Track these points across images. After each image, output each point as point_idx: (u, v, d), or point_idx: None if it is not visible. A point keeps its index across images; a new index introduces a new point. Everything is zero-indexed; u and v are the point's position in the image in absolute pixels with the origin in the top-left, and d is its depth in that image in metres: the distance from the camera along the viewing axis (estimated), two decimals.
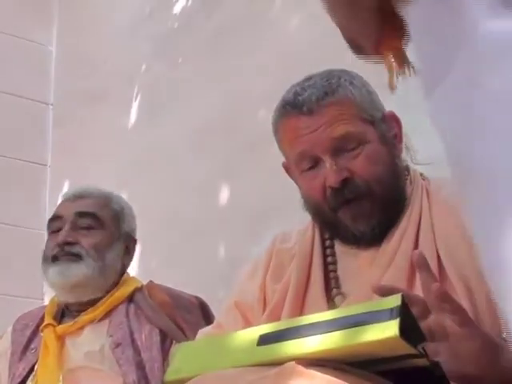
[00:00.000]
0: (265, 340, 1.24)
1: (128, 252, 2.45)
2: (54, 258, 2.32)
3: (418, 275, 1.52)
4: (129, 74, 3.98)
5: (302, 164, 1.65)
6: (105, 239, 2.37)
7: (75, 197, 2.41)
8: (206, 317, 2.39)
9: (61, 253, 2.31)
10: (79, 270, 2.29)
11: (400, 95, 2.54)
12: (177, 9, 3.77)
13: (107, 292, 2.35)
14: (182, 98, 3.59)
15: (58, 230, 2.35)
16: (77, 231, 2.33)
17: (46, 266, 2.34)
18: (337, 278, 1.67)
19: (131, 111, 3.91)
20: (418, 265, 1.28)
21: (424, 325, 1.24)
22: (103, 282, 2.35)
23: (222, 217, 3.26)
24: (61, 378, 2.16)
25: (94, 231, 2.35)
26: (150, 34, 3.89)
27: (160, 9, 3.87)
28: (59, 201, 2.55)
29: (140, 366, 2.18)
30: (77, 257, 2.31)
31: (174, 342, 2.22)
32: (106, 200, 2.42)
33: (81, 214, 2.36)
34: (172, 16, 3.79)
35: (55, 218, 2.40)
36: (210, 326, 1.90)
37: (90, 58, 4.31)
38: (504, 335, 1.32)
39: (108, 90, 4.08)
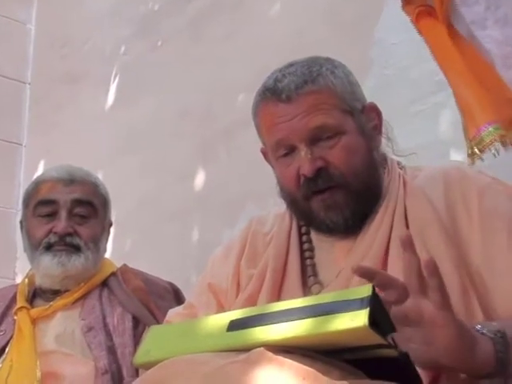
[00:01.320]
0: (235, 326, 1.24)
1: (107, 236, 2.46)
2: (49, 246, 2.30)
3: (389, 265, 1.53)
4: (108, 55, 3.96)
5: (278, 151, 1.65)
6: (99, 229, 2.36)
7: (66, 180, 2.35)
8: (179, 303, 2.38)
9: (59, 243, 2.29)
10: (79, 262, 2.28)
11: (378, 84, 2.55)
12: None
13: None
14: (160, 80, 3.58)
15: (50, 215, 2.32)
16: (72, 219, 2.31)
17: (36, 253, 2.31)
18: (313, 266, 1.68)
19: (109, 93, 3.89)
20: (404, 245, 1.28)
21: (400, 309, 1.24)
22: (94, 271, 2.35)
23: (198, 200, 3.26)
24: (38, 362, 2.15)
25: (89, 220, 2.33)
26: (130, 15, 3.87)
27: None
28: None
29: (111, 351, 2.17)
30: (75, 248, 2.29)
31: (146, 327, 2.21)
32: (95, 185, 2.40)
33: (79, 202, 2.33)
34: None
35: (47, 201, 2.34)
36: (181, 306, 1.90)
37: (69, 37, 4.28)
38: (479, 327, 1.32)
39: (86, 70, 4.06)
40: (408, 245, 1.28)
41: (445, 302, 1.24)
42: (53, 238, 2.29)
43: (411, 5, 1.22)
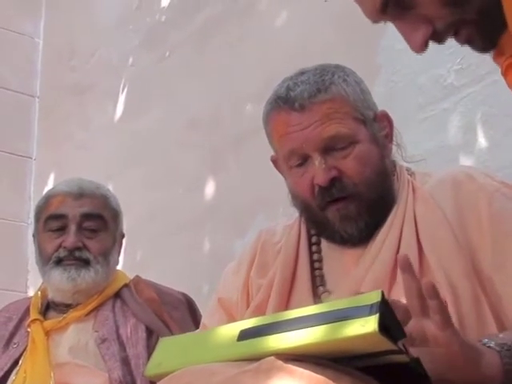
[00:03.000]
0: (245, 335, 1.23)
1: (119, 247, 2.46)
2: (59, 261, 2.30)
3: (399, 272, 1.52)
4: (116, 66, 3.97)
5: (291, 160, 1.64)
6: (109, 242, 2.36)
7: (76, 194, 2.36)
8: (193, 313, 2.39)
9: (69, 257, 2.29)
10: (88, 276, 2.29)
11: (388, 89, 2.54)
12: (165, 2, 3.75)
13: None
14: (168, 91, 3.58)
15: (59, 229, 2.33)
16: (81, 232, 2.32)
17: (47, 268, 2.31)
18: (322, 276, 1.67)
19: (117, 104, 3.89)
20: (402, 267, 1.28)
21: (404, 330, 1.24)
22: (105, 284, 2.35)
23: (208, 211, 3.26)
24: (52, 374, 2.15)
25: (99, 233, 2.34)
26: (138, 26, 3.88)
27: (148, 2, 3.86)
28: (44, 193, 2.53)
29: (125, 362, 2.18)
30: (85, 262, 2.29)
31: (159, 338, 2.21)
32: (105, 198, 2.40)
33: (88, 216, 2.33)
34: (160, 9, 3.77)
35: (57, 216, 2.34)
36: (196, 331, 1.90)
37: (77, 50, 4.29)
38: (485, 341, 1.32)
39: (94, 82, 4.07)
40: (406, 267, 1.27)
41: (447, 322, 1.24)
42: (62, 253, 2.29)
43: (502, 56, 1.21)
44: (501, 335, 1.35)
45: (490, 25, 1.16)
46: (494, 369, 1.27)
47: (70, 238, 2.29)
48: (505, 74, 1.21)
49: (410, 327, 1.24)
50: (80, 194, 2.35)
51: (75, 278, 2.27)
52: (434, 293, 1.23)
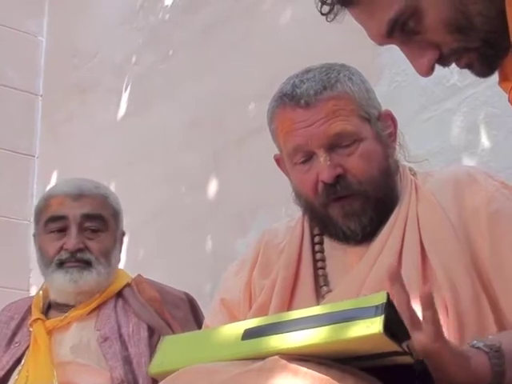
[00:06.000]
0: (249, 334, 1.23)
1: (120, 246, 2.45)
2: (60, 263, 2.30)
3: (402, 271, 1.52)
4: (119, 65, 3.97)
5: (295, 157, 1.64)
6: (110, 242, 2.36)
7: (75, 195, 2.34)
8: (195, 313, 2.38)
9: (71, 259, 2.28)
10: (91, 278, 2.28)
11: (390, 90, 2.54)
12: (168, 1, 3.76)
13: None
14: (172, 90, 3.59)
15: (60, 230, 2.32)
16: (82, 233, 2.31)
17: (49, 270, 2.31)
18: (325, 276, 1.67)
19: (120, 103, 3.89)
20: (391, 278, 1.25)
21: None
22: (107, 284, 2.35)
23: (210, 210, 3.26)
24: (55, 373, 2.15)
25: (99, 234, 2.33)
26: (141, 25, 3.88)
27: (151, 0, 3.86)
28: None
29: (127, 361, 2.17)
30: (87, 264, 2.29)
31: (161, 337, 2.20)
32: (105, 197, 2.39)
33: (88, 217, 2.32)
34: (163, 8, 3.78)
35: (57, 218, 2.33)
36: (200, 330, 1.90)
37: (80, 48, 4.29)
38: (474, 342, 1.31)
39: (98, 81, 4.07)
40: (396, 278, 1.24)
41: (438, 333, 1.22)
42: (64, 255, 2.29)
43: (507, 81, 1.21)
44: (490, 337, 1.35)
45: (491, 52, 1.17)
46: (482, 370, 1.27)
47: (72, 240, 2.28)
48: (511, 100, 1.22)
49: None
50: (79, 195, 2.34)
51: (77, 280, 2.27)
52: (430, 303, 1.22)
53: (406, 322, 1.23)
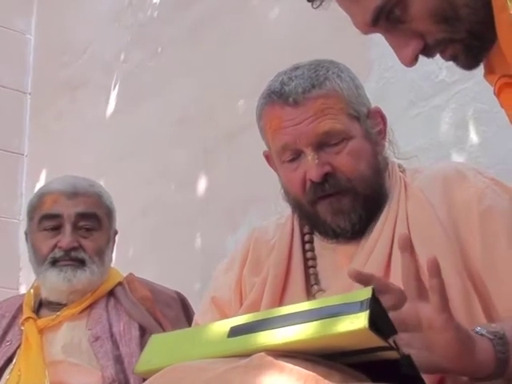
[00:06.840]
0: (235, 332, 1.23)
1: (113, 245, 2.45)
2: (54, 261, 2.29)
3: (392, 269, 1.52)
4: (108, 62, 3.97)
5: (283, 155, 1.64)
6: (104, 241, 2.36)
7: (70, 193, 2.34)
8: (186, 312, 2.39)
9: (64, 257, 2.28)
10: (84, 277, 2.28)
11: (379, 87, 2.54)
12: None
13: None
14: (160, 87, 3.58)
15: (54, 229, 2.31)
16: (77, 232, 2.31)
17: (42, 268, 2.30)
18: (316, 274, 1.67)
19: (110, 100, 3.89)
20: (402, 246, 1.28)
21: (398, 314, 1.23)
22: (100, 283, 2.34)
23: (200, 207, 3.25)
24: (46, 372, 2.15)
25: (93, 233, 2.33)
26: (130, 22, 3.87)
27: None
28: (36, 190, 2.51)
29: (119, 360, 2.17)
30: (81, 262, 2.29)
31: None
32: (99, 196, 2.38)
33: (82, 215, 2.32)
34: (152, 5, 3.77)
35: (52, 216, 2.32)
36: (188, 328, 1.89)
37: (68, 46, 4.29)
38: (478, 329, 1.31)
39: (86, 78, 4.07)
40: (406, 246, 1.27)
41: (444, 304, 1.23)
42: (58, 253, 2.28)
43: (494, 74, 1.21)
44: (493, 324, 1.35)
45: (477, 44, 1.17)
46: (486, 357, 1.27)
47: (66, 239, 2.28)
48: (497, 94, 1.21)
49: (405, 311, 1.24)
50: (74, 193, 2.33)
51: (71, 278, 2.27)
52: (437, 270, 1.23)
53: (413, 293, 1.24)
